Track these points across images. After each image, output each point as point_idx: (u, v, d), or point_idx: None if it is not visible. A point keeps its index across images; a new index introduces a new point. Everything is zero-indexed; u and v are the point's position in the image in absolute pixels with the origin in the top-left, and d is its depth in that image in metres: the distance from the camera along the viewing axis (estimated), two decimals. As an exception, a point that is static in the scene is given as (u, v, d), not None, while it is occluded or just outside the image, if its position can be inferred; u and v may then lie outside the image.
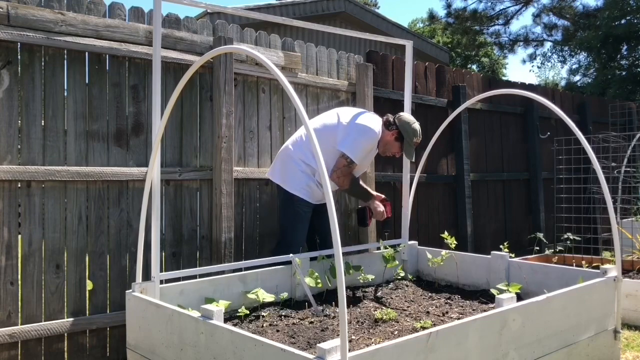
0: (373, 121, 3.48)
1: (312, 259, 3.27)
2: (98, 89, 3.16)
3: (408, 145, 3.50)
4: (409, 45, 3.70)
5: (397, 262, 3.59)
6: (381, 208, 3.57)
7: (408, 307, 3.01)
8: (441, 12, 19.63)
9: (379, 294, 3.29)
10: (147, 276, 2.75)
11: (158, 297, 2.53)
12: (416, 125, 3.51)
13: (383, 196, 3.68)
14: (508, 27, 19.03)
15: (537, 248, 4.83)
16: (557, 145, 5.75)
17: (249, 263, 3.14)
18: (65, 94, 3.06)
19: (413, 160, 3.67)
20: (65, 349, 3.03)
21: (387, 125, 3.52)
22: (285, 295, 3.01)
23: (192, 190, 3.52)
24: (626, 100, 11.05)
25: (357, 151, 3.35)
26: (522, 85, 6.58)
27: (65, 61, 3.05)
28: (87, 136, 3.12)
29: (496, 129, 6.04)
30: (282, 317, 2.79)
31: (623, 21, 15.29)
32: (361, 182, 3.70)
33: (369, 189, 3.70)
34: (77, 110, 3.09)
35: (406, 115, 3.58)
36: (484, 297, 3.19)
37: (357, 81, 4.45)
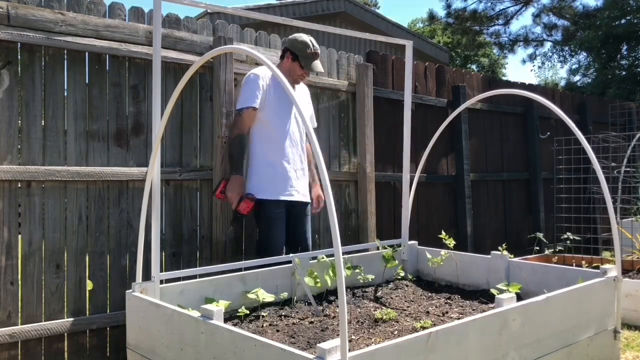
0: (254, 69, 3.46)
1: (312, 258, 3.27)
2: (98, 89, 3.16)
3: (305, 59, 3.42)
4: (409, 45, 3.70)
5: (397, 262, 3.59)
6: (235, 193, 3.28)
7: (408, 307, 3.01)
8: (441, 12, 19.66)
9: (379, 294, 3.29)
10: (147, 276, 2.75)
11: (158, 297, 2.53)
12: (304, 37, 3.44)
13: (253, 196, 3.31)
14: (508, 27, 19.06)
15: (537, 248, 4.83)
16: (557, 145, 5.75)
17: (249, 263, 3.14)
18: (65, 94, 3.06)
19: (322, 70, 3.55)
20: (65, 349, 3.03)
21: (281, 57, 3.52)
22: (285, 295, 3.01)
23: (192, 190, 3.52)
24: (626, 100, 11.06)
25: (241, 97, 3.34)
26: (522, 85, 6.59)
27: (65, 61, 3.05)
28: (87, 136, 3.12)
29: (496, 129, 6.05)
30: (282, 317, 2.79)
31: (623, 21, 15.30)
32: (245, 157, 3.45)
33: (242, 166, 3.39)
34: (77, 110, 3.09)
35: (292, 35, 3.51)
36: (484, 297, 3.19)
37: (357, 81, 4.45)
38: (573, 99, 7.22)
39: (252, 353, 1.84)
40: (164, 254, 3.31)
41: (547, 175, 6.37)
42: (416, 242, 3.87)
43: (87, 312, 3.10)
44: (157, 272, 2.58)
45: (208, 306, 2.14)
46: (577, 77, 20.16)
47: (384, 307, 2.98)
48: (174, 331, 2.21)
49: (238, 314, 2.71)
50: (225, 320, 2.48)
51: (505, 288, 2.97)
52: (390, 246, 3.69)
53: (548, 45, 20.61)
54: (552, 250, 4.84)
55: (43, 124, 2.98)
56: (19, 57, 2.91)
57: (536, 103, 5.95)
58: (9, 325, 2.83)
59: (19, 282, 2.88)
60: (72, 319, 3.02)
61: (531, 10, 18.32)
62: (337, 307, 2.93)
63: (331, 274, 3.20)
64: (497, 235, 5.83)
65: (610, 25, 15.10)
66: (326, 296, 3.17)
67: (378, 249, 3.74)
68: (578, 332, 2.59)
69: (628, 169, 5.86)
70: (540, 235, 4.91)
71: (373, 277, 3.38)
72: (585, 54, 18.94)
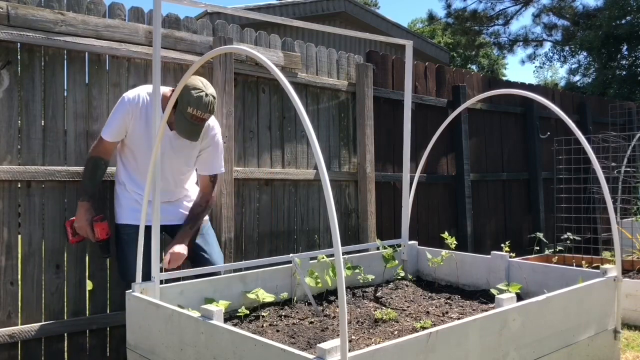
0: (135, 89, 2.86)
1: (312, 258, 3.27)
2: (98, 89, 3.16)
3: (179, 116, 2.66)
4: (409, 45, 3.69)
5: (397, 262, 3.59)
6: (83, 223, 2.84)
7: (408, 307, 3.01)
8: (441, 13, 19.73)
9: (379, 294, 3.29)
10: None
11: (158, 297, 2.53)
12: (199, 93, 2.63)
13: (101, 217, 2.91)
14: (508, 27, 19.07)
15: (537, 248, 4.83)
16: (557, 145, 5.75)
17: (249, 263, 3.14)
18: (65, 94, 3.06)
19: (194, 139, 2.76)
20: (65, 349, 3.03)
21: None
22: (285, 295, 3.01)
23: (192, 190, 3.51)
24: (626, 100, 11.05)
25: (107, 124, 2.85)
26: (522, 85, 6.59)
27: (65, 61, 3.05)
28: (87, 136, 3.12)
29: (496, 129, 6.05)
30: (282, 317, 2.79)
31: (623, 21, 15.30)
32: (96, 175, 2.90)
33: (91, 190, 2.89)
34: (77, 110, 3.08)
35: (196, 78, 2.71)
36: (484, 297, 3.19)
37: (357, 81, 4.45)
38: (573, 99, 7.22)
39: (252, 353, 1.84)
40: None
41: (547, 175, 6.37)
42: (416, 242, 3.87)
43: (87, 313, 3.10)
44: (157, 272, 2.57)
45: (208, 306, 2.14)
46: (577, 77, 20.18)
47: (384, 307, 2.98)
48: (173, 331, 2.21)
49: (238, 314, 2.71)
50: (225, 320, 2.48)
51: (505, 288, 2.97)
52: (390, 246, 3.68)
53: (548, 45, 20.65)
54: (552, 250, 4.84)
55: (43, 124, 2.98)
56: (19, 57, 2.91)
57: (536, 103, 5.95)
58: (9, 325, 2.83)
59: (19, 282, 2.88)
60: (72, 319, 3.02)
61: (531, 10, 18.37)
62: (337, 307, 2.93)
63: (331, 274, 3.20)
64: (497, 235, 5.83)
65: (610, 25, 15.10)
66: (326, 296, 3.17)
67: (378, 249, 3.74)
68: (578, 332, 2.59)
69: (628, 169, 5.86)
70: (540, 235, 4.91)
71: (373, 277, 3.38)
72: (585, 54, 18.94)
